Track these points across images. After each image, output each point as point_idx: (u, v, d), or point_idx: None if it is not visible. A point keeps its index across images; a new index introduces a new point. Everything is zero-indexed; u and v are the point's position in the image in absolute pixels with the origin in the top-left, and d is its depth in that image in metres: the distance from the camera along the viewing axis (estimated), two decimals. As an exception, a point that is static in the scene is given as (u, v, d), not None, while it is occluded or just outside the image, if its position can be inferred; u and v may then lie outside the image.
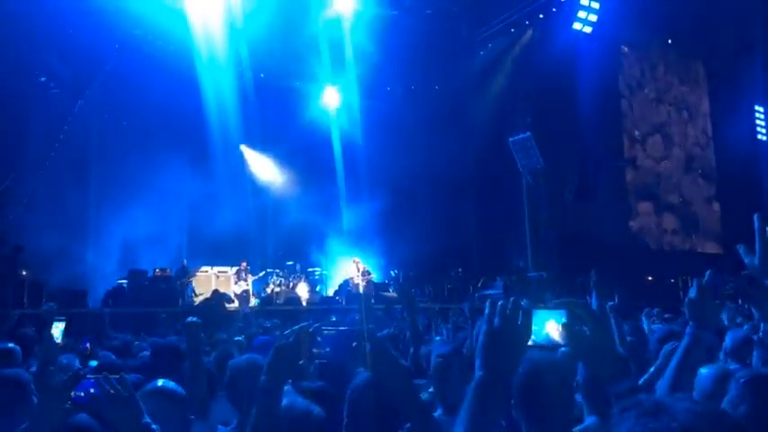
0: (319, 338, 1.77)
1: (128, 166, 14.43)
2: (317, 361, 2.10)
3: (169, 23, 15.65)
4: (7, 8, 12.20)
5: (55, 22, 13.26)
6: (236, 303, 14.05)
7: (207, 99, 16.65)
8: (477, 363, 1.44)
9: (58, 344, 4.67)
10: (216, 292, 13.30)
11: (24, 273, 12.38)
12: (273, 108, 17.52)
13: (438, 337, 5.12)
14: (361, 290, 15.57)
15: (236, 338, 5.52)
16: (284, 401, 1.80)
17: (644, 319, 6.20)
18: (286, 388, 1.83)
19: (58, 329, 4.99)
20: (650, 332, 5.48)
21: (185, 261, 14.34)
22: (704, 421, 1.01)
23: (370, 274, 16.25)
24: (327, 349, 1.77)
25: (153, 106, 14.97)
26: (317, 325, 1.81)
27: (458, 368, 2.79)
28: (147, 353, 4.44)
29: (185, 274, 13.96)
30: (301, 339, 1.77)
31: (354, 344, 1.75)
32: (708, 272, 1.96)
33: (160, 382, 2.42)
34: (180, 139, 15.45)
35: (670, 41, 21.60)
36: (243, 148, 18.02)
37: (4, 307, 10.48)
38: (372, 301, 14.61)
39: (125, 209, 14.57)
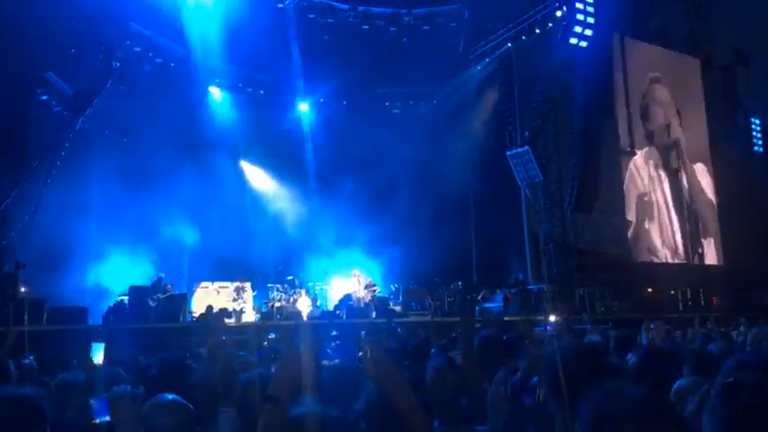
0: (329, 350, 1.83)
1: (128, 182, 14.48)
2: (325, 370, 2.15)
3: (169, 41, 15.84)
4: (7, 26, 12.32)
5: (56, 39, 13.39)
6: (234, 319, 14.04)
7: (207, 115, 16.79)
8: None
9: (97, 365, 4.76)
10: (210, 307, 13.29)
11: (24, 290, 12.38)
12: (274, 124, 17.67)
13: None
14: (366, 303, 15.60)
15: (240, 353, 5.53)
16: (301, 409, 1.84)
17: (642, 331, 6.23)
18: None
19: (99, 351, 5.12)
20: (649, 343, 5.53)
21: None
22: (644, 410, 1.18)
23: (375, 286, 16.28)
24: (337, 360, 1.82)
25: (154, 123, 15.06)
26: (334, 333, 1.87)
27: (451, 380, 2.81)
28: (153, 369, 4.47)
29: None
30: (309, 349, 1.83)
31: (360, 353, 1.80)
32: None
33: (170, 396, 2.46)
34: (180, 154, 15.52)
35: (666, 55, 21.80)
36: (242, 163, 18.14)
37: (5, 324, 10.49)
38: (374, 314, 14.64)
39: (126, 225, 14.62)
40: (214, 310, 13.50)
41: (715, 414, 1.36)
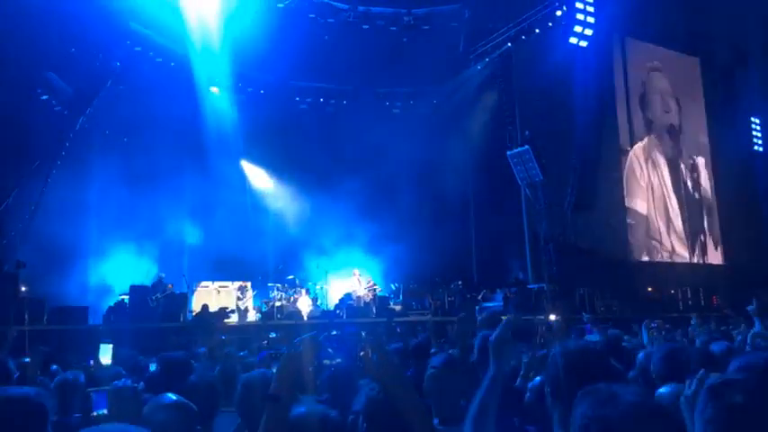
0: (330, 349, 1.82)
1: (128, 182, 14.50)
2: (326, 369, 2.15)
3: (169, 40, 15.83)
4: (7, 26, 12.31)
5: (56, 39, 13.39)
6: (236, 318, 14.08)
7: (207, 114, 16.78)
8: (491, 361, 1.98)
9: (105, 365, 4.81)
10: (205, 306, 13.31)
11: (24, 289, 12.38)
12: (274, 123, 17.65)
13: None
14: (366, 302, 15.62)
15: (240, 353, 5.54)
16: (302, 408, 1.85)
17: (643, 330, 6.25)
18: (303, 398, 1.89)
19: (107, 350, 5.19)
20: (650, 343, 5.54)
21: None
22: (642, 411, 1.17)
23: (375, 286, 16.30)
24: (338, 360, 1.82)
25: (154, 122, 15.08)
26: (325, 334, 1.88)
27: (452, 379, 2.82)
28: (155, 368, 4.48)
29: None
30: (310, 348, 1.83)
31: (362, 353, 1.81)
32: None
33: (173, 396, 2.47)
34: (181, 154, 15.54)
35: (666, 55, 21.80)
36: (243, 162, 18.15)
37: (6, 324, 10.49)
38: (374, 314, 14.65)
39: (126, 224, 14.63)
40: (214, 310, 13.52)
41: (703, 415, 1.37)
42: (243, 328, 13.22)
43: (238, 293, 14.97)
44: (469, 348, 3.78)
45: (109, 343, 5.42)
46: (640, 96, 21.03)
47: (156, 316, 12.86)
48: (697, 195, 22.08)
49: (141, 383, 3.48)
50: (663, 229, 20.72)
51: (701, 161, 22.47)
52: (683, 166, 21.88)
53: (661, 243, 20.50)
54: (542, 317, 11.33)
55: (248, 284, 15.54)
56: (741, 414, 1.32)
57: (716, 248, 22.06)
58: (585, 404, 1.25)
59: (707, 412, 1.36)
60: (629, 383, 2.35)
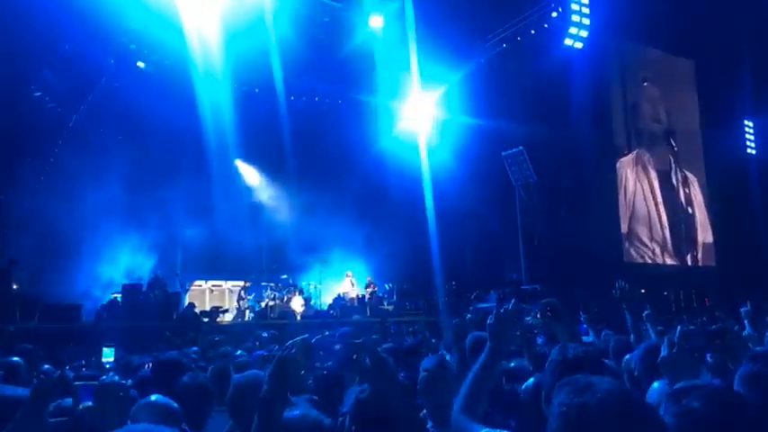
0: (321, 352, 1.82)
1: (122, 180, 14.44)
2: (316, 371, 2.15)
3: (165, 38, 15.76)
4: (1, 23, 12.25)
5: (50, 36, 13.32)
6: (228, 316, 14.07)
7: (202, 113, 16.71)
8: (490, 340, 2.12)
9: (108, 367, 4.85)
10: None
11: (15, 287, 12.33)
12: (269, 123, 17.61)
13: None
14: (365, 301, 15.67)
15: (237, 353, 5.53)
16: (296, 412, 1.84)
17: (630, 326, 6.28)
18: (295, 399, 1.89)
19: (110, 354, 5.24)
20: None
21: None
22: (617, 399, 1.22)
23: (373, 285, 16.32)
24: (330, 363, 1.82)
25: (148, 120, 15.00)
26: (318, 337, 1.87)
27: (444, 381, 2.81)
28: (147, 367, 4.47)
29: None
30: (302, 351, 1.83)
31: (355, 356, 1.80)
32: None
33: (156, 396, 2.48)
34: (175, 153, 15.48)
35: (660, 57, 21.87)
36: (238, 162, 18.08)
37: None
38: (368, 313, 14.66)
39: (120, 223, 14.56)
40: (207, 309, 13.49)
41: (665, 417, 1.41)
42: (235, 327, 13.19)
43: (241, 292, 14.93)
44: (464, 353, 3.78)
45: (112, 346, 5.42)
46: (635, 98, 21.10)
47: (149, 314, 12.80)
48: (689, 196, 22.16)
49: (129, 381, 3.47)
50: (657, 233, 20.78)
51: (694, 164, 22.55)
52: (676, 168, 21.95)
53: (653, 253, 20.55)
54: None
55: (249, 284, 15.50)
56: (696, 418, 1.37)
57: (708, 251, 22.15)
58: (564, 393, 1.28)
59: (665, 417, 1.41)
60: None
